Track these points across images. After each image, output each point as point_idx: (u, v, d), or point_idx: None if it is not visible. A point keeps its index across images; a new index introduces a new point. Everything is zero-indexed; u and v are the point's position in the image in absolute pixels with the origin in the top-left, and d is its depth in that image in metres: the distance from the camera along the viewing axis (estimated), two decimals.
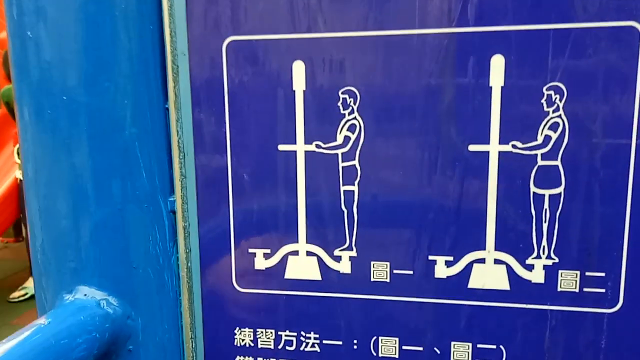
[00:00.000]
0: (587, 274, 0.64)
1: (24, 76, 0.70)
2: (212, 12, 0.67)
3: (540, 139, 0.63)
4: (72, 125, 0.69)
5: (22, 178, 0.71)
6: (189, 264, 0.73)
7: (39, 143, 0.71)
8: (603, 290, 0.64)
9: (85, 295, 0.71)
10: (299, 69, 0.66)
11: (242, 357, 0.74)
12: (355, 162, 0.67)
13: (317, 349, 0.72)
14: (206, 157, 0.70)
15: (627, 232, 0.62)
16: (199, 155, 0.70)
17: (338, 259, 0.70)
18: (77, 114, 0.68)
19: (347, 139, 0.67)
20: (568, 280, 0.65)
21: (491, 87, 0.63)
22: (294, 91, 0.67)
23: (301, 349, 0.72)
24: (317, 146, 0.68)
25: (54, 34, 0.68)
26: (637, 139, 0.61)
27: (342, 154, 0.67)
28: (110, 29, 0.66)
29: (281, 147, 0.68)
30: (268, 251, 0.71)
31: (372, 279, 0.69)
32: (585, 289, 0.65)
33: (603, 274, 0.64)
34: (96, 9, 0.66)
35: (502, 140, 0.64)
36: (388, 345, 0.70)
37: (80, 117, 0.68)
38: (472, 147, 0.64)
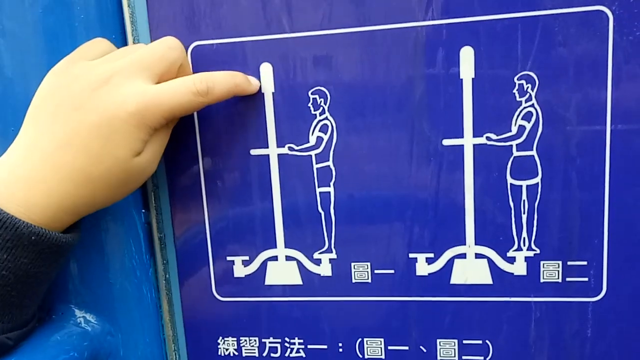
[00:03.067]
0: (569, 263, 0.63)
1: None
2: (174, 17, 0.66)
3: (514, 130, 0.62)
4: None
5: None
6: (167, 276, 0.71)
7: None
8: (586, 279, 0.63)
9: (62, 313, 0.69)
10: (266, 71, 0.65)
11: None
12: (330, 163, 0.66)
13: (302, 354, 0.71)
14: (178, 166, 0.69)
15: (607, 218, 0.62)
16: (170, 165, 0.69)
17: (318, 262, 0.68)
18: None
19: (319, 139, 0.66)
20: (550, 271, 0.64)
21: (462, 80, 0.62)
22: (263, 94, 0.66)
23: (286, 355, 0.71)
24: (290, 149, 0.66)
25: (15, 49, 0.66)
26: (611, 125, 0.60)
27: (315, 155, 0.66)
28: (70, 41, 0.65)
29: (253, 152, 0.67)
30: (247, 258, 0.70)
31: (353, 280, 0.68)
32: (568, 279, 0.64)
33: (585, 263, 0.63)
34: (55, 20, 0.65)
35: (476, 133, 0.63)
36: (373, 346, 0.69)
37: None
38: (446, 142, 0.63)
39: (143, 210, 0.70)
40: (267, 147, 0.67)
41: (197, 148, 0.68)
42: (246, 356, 0.72)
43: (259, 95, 0.66)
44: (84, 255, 0.69)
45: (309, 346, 0.70)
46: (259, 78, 0.65)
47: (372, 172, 0.65)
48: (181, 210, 0.70)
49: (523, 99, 0.61)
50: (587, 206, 0.62)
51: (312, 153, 0.66)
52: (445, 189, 0.64)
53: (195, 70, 0.66)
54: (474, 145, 0.63)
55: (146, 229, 0.70)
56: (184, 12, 0.65)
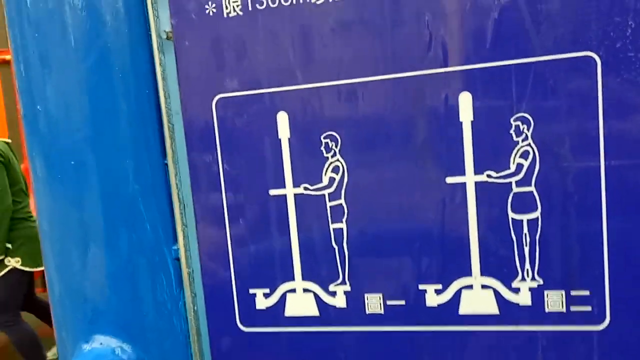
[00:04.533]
0: (573, 293, 0.66)
1: (35, 140, 0.77)
2: (201, 73, 0.73)
3: (512, 168, 0.66)
4: (80, 185, 0.75)
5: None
6: (195, 308, 0.77)
7: (51, 199, 0.78)
8: (589, 308, 0.66)
9: (101, 343, 0.76)
10: (282, 119, 0.72)
11: None
12: (342, 201, 0.71)
13: None
14: (204, 207, 0.75)
15: (606, 248, 0.65)
16: (197, 206, 0.76)
17: (333, 294, 0.73)
18: (84, 174, 0.75)
19: (332, 180, 0.71)
20: (554, 300, 0.67)
21: (462, 122, 0.67)
22: (280, 139, 0.72)
23: None
24: (305, 188, 0.72)
25: (61, 105, 0.75)
26: (605, 160, 0.64)
27: (328, 194, 0.72)
28: (110, 97, 0.73)
29: (272, 192, 0.73)
30: (267, 291, 0.75)
31: (367, 312, 0.72)
32: (572, 308, 0.67)
33: (588, 292, 0.66)
34: (97, 79, 0.73)
35: (477, 171, 0.67)
36: None
37: (87, 177, 0.75)
38: (450, 179, 0.68)
39: (174, 247, 0.76)
40: (284, 187, 0.73)
41: (221, 190, 0.74)
42: None
43: (276, 140, 0.72)
44: (120, 290, 0.76)
45: None
46: (276, 125, 0.72)
47: (381, 209, 0.70)
48: (207, 247, 0.76)
49: (520, 139, 0.65)
50: (587, 237, 0.65)
51: (326, 192, 0.72)
52: (450, 223, 0.69)
53: (219, 120, 0.73)
54: (475, 182, 0.67)
55: (176, 264, 0.76)
56: (208, 68, 0.73)
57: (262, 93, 0.72)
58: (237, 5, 0.71)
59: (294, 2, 0.69)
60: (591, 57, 0.63)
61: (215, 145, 0.74)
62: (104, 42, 0.72)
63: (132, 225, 0.75)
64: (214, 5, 0.72)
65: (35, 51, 0.72)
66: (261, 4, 0.70)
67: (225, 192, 0.74)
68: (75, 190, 0.75)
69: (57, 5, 0.71)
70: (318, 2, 0.69)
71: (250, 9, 0.71)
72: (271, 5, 0.70)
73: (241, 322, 0.76)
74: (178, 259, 0.76)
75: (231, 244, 0.75)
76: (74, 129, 0.74)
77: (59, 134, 0.75)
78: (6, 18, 0.76)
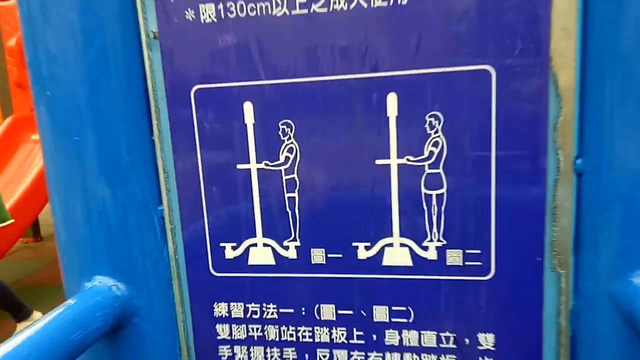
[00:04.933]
0: (467, 251, 0.86)
1: (46, 121, 0.93)
2: (181, 67, 0.89)
3: (426, 154, 0.85)
4: (81, 157, 0.92)
5: None
6: (177, 257, 0.96)
7: (57, 168, 0.95)
8: (480, 263, 0.86)
9: (100, 282, 0.95)
10: (248, 108, 0.89)
11: (220, 325, 0.98)
12: (295, 175, 0.90)
13: (275, 316, 0.95)
14: (184, 176, 0.93)
15: (494, 219, 0.84)
16: (179, 175, 0.93)
17: (287, 248, 0.92)
18: (85, 149, 0.92)
19: (287, 158, 0.89)
20: (454, 257, 0.87)
21: (388, 117, 0.85)
22: (246, 124, 0.89)
23: (264, 316, 0.96)
24: (266, 164, 0.90)
25: (67, 92, 0.91)
26: (495, 151, 0.83)
27: (284, 169, 0.90)
28: (107, 86, 0.89)
29: (239, 166, 0.91)
30: (234, 244, 0.94)
31: (312, 262, 0.92)
32: (467, 263, 0.87)
33: (479, 251, 0.86)
34: (97, 75, 0.89)
35: (399, 156, 0.86)
36: (327, 310, 0.93)
37: (88, 151, 0.92)
38: (378, 162, 0.86)
39: (159, 208, 0.94)
40: (249, 163, 0.91)
41: (197, 163, 0.92)
42: (234, 317, 0.97)
43: (242, 125, 0.89)
44: (116, 239, 0.94)
45: (280, 310, 0.95)
46: (242, 113, 0.89)
47: (325, 183, 0.89)
48: (186, 209, 0.94)
49: (432, 132, 0.84)
50: (479, 209, 0.85)
51: (282, 168, 0.90)
52: (378, 195, 0.88)
53: (197, 106, 0.90)
54: (398, 164, 0.86)
55: (161, 222, 0.95)
56: (188, 65, 0.89)
57: (232, 86, 0.89)
58: (212, 14, 0.87)
59: (259, 13, 0.85)
60: (487, 70, 0.81)
61: (193, 127, 0.91)
62: (102, 40, 0.88)
63: (125, 189, 0.92)
64: (193, 12, 0.87)
65: (45, 48, 0.88)
66: (232, 13, 0.86)
67: (202, 165, 0.92)
68: (77, 161, 0.92)
69: (67, 10, 0.87)
70: (278, 15, 0.85)
71: (222, 17, 0.86)
72: (240, 15, 0.86)
73: (213, 269, 0.96)
74: (162, 218, 0.95)
75: (206, 206, 0.93)
76: (77, 112, 0.90)
77: (63, 116, 0.91)
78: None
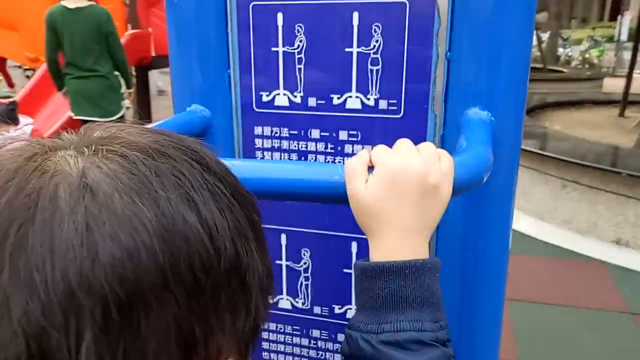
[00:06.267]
0: (390, 100, 1.61)
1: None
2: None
3: (371, 46, 1.59)
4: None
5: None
6: (236, 98, 1.75)
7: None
8: (396, 108, 1.61)
9: (195, 108, 1.74)
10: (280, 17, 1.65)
11: (257, 139, 1.76)
12: (302, 56, 1.66)
13: (287, 134, 1.73)
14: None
15: (404, 78, 1.58)
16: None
17: (295, 96, 1.69)
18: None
19: (301, 42, 1.65)
20: (383, 104, 1.62)
21: (353, 25, 1.59)
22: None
23: (280, 134, 1.74)
24: (288, 48, 1.66)
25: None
26: (407, 46, 1.56)
27: (296, 52, 1.66)
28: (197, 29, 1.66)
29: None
30: (267, 93, 1.72)
31: (308, 105, 1.68)
32: (389, 107, 1.62)
33: (396, 101, 1.60)
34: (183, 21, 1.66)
35: (358, 47, 1.60)
36: (314, 132, 1.70)
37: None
38: (347, 49, 1.61)
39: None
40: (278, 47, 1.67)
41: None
42: (265, 135, 1.75)
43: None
44: (208, 79, 1.74)
45: (290, 131, 1.73)
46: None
47: (320, 61, 1.65)
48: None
49: (375, 35, 1.58)
50: (398, 73, 1.59)
51: (295, 51, 1.66)
52: (345, 72, 1.63)
53: (254, 20, 1.66)
54: (357, 52, 1.60)
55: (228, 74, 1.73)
56: None
57: (287, 4, 1.65)
58: None
59: None
60: (404, 2, 1.54)
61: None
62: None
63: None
64: None
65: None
66: None
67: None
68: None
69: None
70: None
71: None
72: None
73: (255, 107, 1.74)
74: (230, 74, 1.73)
75: (254, 65, 1.71)
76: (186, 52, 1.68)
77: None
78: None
